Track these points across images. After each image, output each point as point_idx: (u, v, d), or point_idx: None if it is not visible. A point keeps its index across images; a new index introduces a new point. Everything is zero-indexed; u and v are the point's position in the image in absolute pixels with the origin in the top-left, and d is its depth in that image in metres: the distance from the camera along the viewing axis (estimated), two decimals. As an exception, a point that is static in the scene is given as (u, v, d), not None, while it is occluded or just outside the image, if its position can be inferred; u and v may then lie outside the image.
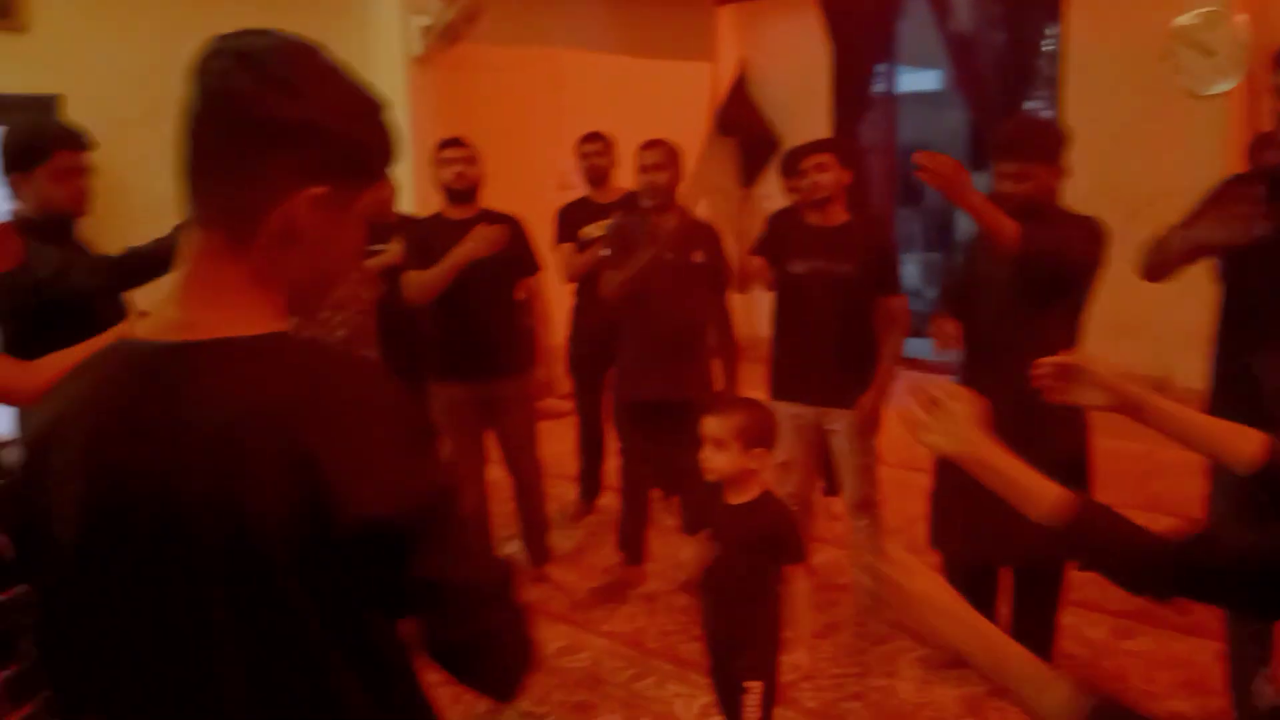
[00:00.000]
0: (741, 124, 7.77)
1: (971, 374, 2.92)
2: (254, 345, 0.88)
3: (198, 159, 0.91)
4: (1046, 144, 2.78)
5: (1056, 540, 1.25)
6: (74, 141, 2.62)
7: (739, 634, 2.34)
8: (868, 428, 3.33)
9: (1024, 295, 2.75)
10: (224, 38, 0.90)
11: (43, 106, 4.76)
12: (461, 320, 3.59)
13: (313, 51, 0.92)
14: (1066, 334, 2.77)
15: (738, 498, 2.34)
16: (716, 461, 2.30)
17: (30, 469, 0.92)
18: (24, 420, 1.74)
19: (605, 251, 3.72)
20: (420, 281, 3.49)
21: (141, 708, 0.90)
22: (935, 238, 9.40)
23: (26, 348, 2.52)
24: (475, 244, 3.40)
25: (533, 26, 6.56)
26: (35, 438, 0.92)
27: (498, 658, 0.96)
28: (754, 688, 2.30)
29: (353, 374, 0.92)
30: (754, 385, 3.38)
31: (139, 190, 4.42)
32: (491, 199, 3.76)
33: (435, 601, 0.90)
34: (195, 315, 0.90)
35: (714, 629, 2.41)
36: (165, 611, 0.87)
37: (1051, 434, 2.77)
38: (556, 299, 4.40)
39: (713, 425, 2.30)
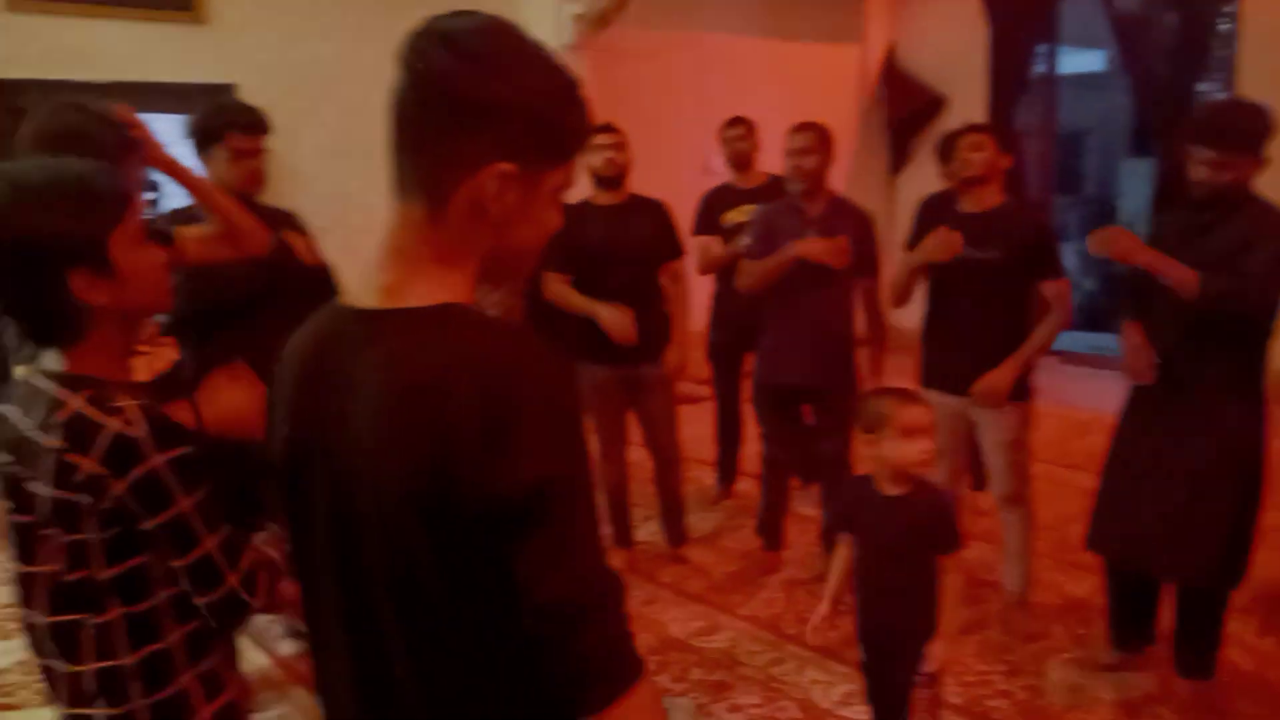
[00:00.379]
0: (895, 107, 7.59)
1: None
2: (424, 316, 0.93)
3: (400, 135, 0.95)
4: (1254, 133, 2.58)
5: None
6: (247, 124, 2.74)
7: (904, 627, 2.29)
8: (989, 402, 3.17)
9: (1205, 329, 2.64)
10: (432, 19, 0.94)
11: (218, 95, 5.06)
12: (606, 303, 3.63)
13: (513, 32, 0.95)
14: (1248, 358, 2.67)
15: (896, 489, 2.29)
16: (908, 452, 2.22)
17: (269, 401, 1.06)
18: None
19: (746, 241, 3.70)
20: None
21: (329, 626, 1.01)
22: (1095, 226, 8.96)
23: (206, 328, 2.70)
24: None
25: (679, 11, 6.57)
26: (277, 370, 1.05)
27: (582, 664, 0.90)
28: (928, 680, 2.26)
29: (507, 350, 0.92)
30: (902, 375, 3.30)
31: (307, 175, 4.67)
32: (636, 184, 3.80)
33: (531, 586, 0.89)
34: (390, 281, 0.96)
35: (877, 623, 2.35)
36: (332, 545, 0.98)
37: (1225, 434, 2.65)
38: (697, 283, 4.42)
39: (915, 414, 2.25)
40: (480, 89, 0.91)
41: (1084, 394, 5.43)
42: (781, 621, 3.43)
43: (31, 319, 1.30)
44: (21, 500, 1.29)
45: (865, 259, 3.57)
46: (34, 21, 4.86)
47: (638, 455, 3.91)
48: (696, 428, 4.58)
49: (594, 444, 3.76)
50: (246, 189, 2.73)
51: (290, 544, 1.05)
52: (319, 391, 0.97)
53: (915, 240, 3.48)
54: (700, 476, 4.61)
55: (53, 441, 1.23)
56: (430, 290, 0.94)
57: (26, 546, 1.31)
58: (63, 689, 1.34)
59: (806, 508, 4.17)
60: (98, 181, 1.30)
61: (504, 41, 0.93)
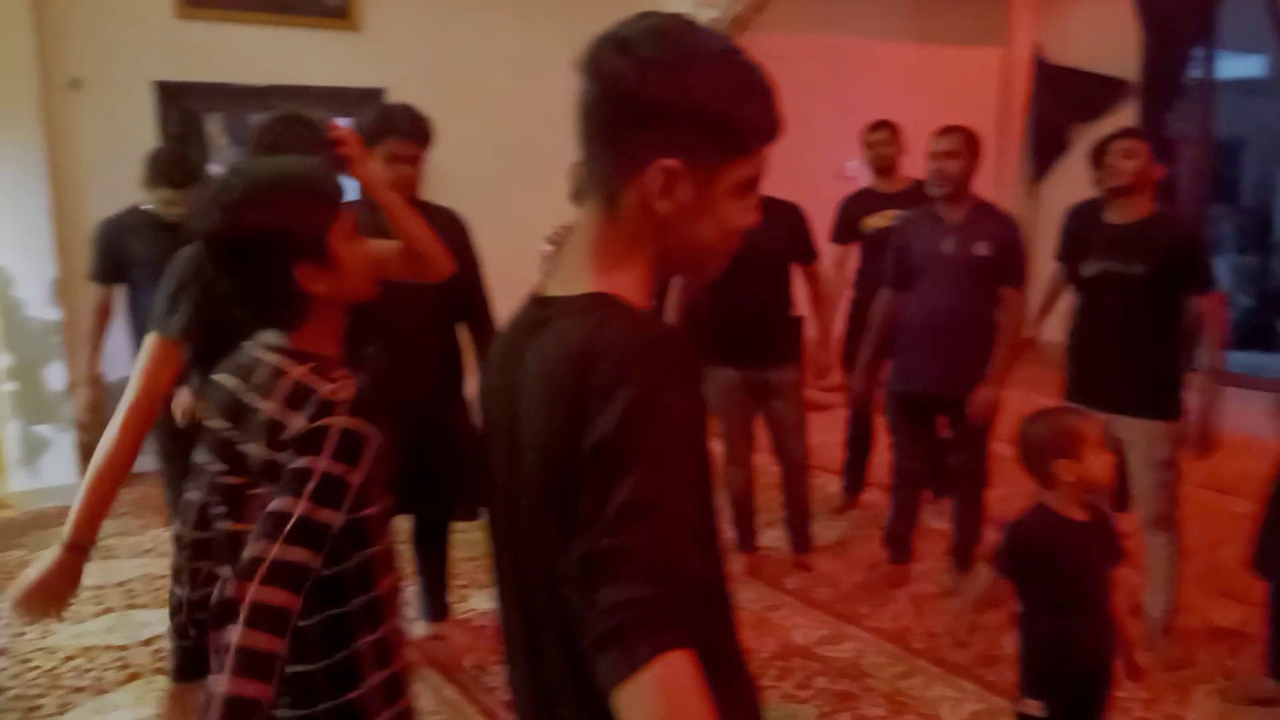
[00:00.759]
0: (1043, 113, 7.34)
1: None
2: (578, 302, 0.98)
3: (582, 136, 0.99)
4: None
5: None
6: (406, 131, 2.84)
7: (1106, 657, 2.21)
8: (1176, 442, 3.06)
9: None
10: (616, 24, 0.97)
11: (371, 99, 5.28)
12: (736, 306, 3.62)
13: (688, 29, 0.97)
14: None
15: (1080, 513, 2.19)
16: (1095, 469, 2.15)
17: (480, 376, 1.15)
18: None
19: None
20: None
21: (506, 601, 1.09)
22: (1252, 239, 8.48)
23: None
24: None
25: (816, 16, 6.52)
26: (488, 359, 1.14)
27: (602, 624, 0.82)
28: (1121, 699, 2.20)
29: (638, 330, 0.94)
30: (1046, 389, 3.20)
31: (455, 178, 4.81)
32: (772, 187, 3.78)
33: (574, 537, 0.87)
34: (571, 274, 1.02)
35: (1088, 661, 2.20)
36: (505, 518, 1.05)
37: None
38: (835, 288, 4.39)
39: (1097, 428, 2.19)
40: (646, 88, 0.93)
41: (1238, 415, 5.14)
42: (909, 635, 3.37)
43: (260, 305, 1.41)
44: (235, 462, 1.40)
45: (1010, 267, 3.47)
46: (202, 28, 5.16)
47: (764, 460, 3.90)
48: (825, 435, 4.54)
49: (721, 447, 3.77)
50: (401, 193, 2.84)
51: (490, 523, 1.12)
52: (499, 375, 1.05)
53: (1064, 251, 3.37)
54: (825, 484, 4.56)
55: (269, 404, 1.34)
56: (596, 281, 0.99)
57: (236, 506, 1.41)
58: None
59: (937, 521, 4.08)
60: (319, 180, 1.43)
61: (676, 39, 0.95)
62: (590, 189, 1.01)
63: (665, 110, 0.93)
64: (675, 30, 0.96)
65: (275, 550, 1.24)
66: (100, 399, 3.52)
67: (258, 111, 5.93)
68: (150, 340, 2.02)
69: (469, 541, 3.48)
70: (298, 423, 1.31)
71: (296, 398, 1.33)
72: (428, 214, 2.52)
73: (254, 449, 1.36)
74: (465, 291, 3.00)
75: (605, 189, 0.99)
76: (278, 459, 1.32)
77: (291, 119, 2.05)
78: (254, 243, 1.36)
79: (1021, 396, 3.61)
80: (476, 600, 3.60)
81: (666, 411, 0.88)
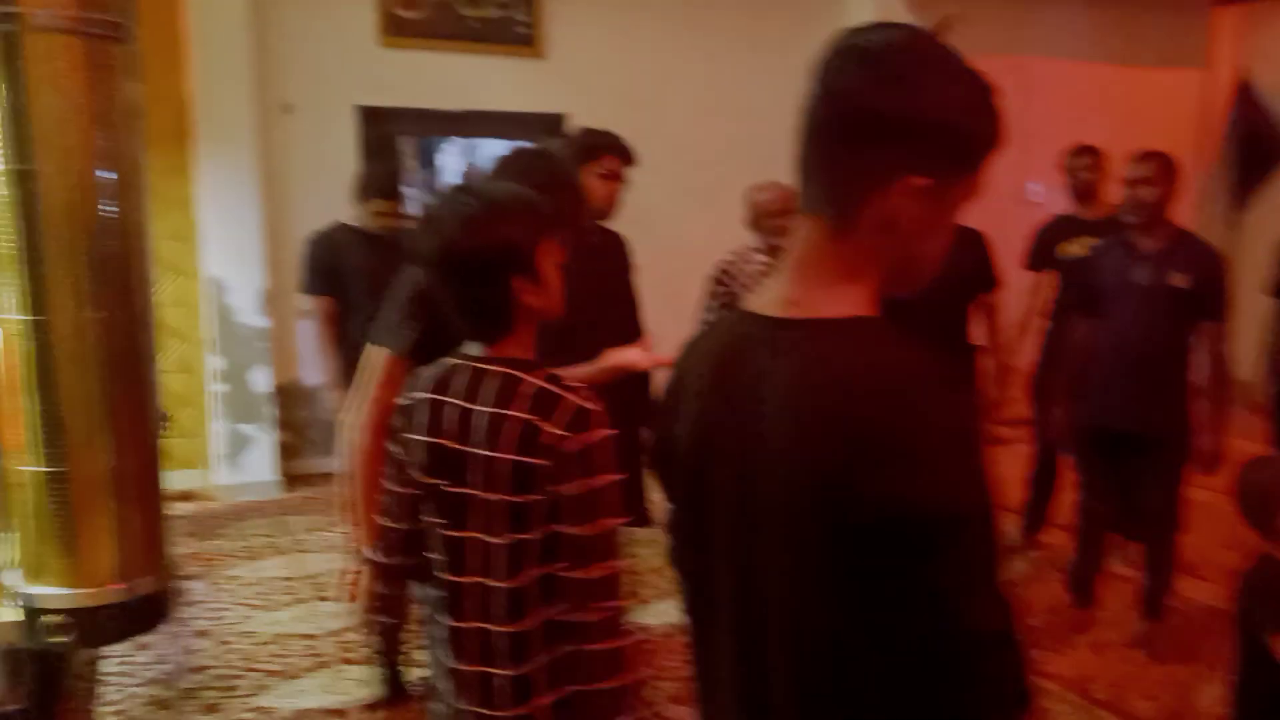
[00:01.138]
0: (1248, 138, 6.88)
1: None
2: (836, 326, 0.95)
3: (809, 149, 0.96)
4: None
5: None
6: (620, 150, 3.00)
7: None
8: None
9: None
10: (848, 33, 0.95)
11: (554, 124, 5.47)
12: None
13: (928, 42, 0.94)
14: None
15: None
16: None
17: (669, 396, 1.12)
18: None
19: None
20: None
21: (715, 620, 1.06)
22: None
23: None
24: None
25: (1004, 35, 6.35)
26: (675, 373, 1.12)
27: (991, 688, 0.90)
28: None
29: (917, 367, 0.92)
30: (1247, 432, 3.00)
31: (628, 200, 4.93)
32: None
33: (952, 609, 0.88)
34: (797, 294, 0.98)
35: None
36: (731, 542, 1.01)
37: None
38: (1027, 317, 4.26)
39: None
40: (893, 104, 0.91)
41: None
42: (1091, 684, 3.20)
43: (477, 314, 1.51)
44: (454, 471, 1.48)
45: (1210, 299, 3.27)
46: (401, 56, 5.48)
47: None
48: (1004, 470, 4.36)
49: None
50: (604, 208, 2.96)
51: (682, 537, 1.11)
52: (727, 395, 1.01)
53: (1277, 284, 3.15)
54: (1003, 522, 4.38)
55: (518, 412, 1.42)
56: (838, 302, 0.96)
57: (459, 516, 1.48)
58: (473, 646, 1.49)
59: (1123, 567, 3.86)
60: (539, 203, 1.54)
61: (919, 53, 0.93)
62: (816, 203, 0.97)
63: (911, 126, 0.91)
64: (916, 43, 0.94)
65: (616, 565, 1.43)
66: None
67: (447, 135, 6.27)
68: (381, 355, 2.07)
69: (630, 555, 3.52)
70: (553, 431, 1.40)
71: (546, 406, 1.42)
72: (598, 235, 2.62)
73: (486, 457, 1.43)
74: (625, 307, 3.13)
75: (840, 205, 0.95)
76: (532, 464, 1.40)
77: (537, 154, 2.20)
78: (484, 255, 1.46)
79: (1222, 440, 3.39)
80: (637, 614, 3.64)
81: (977, 465, 0.90)
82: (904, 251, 0.97)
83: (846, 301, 0.96)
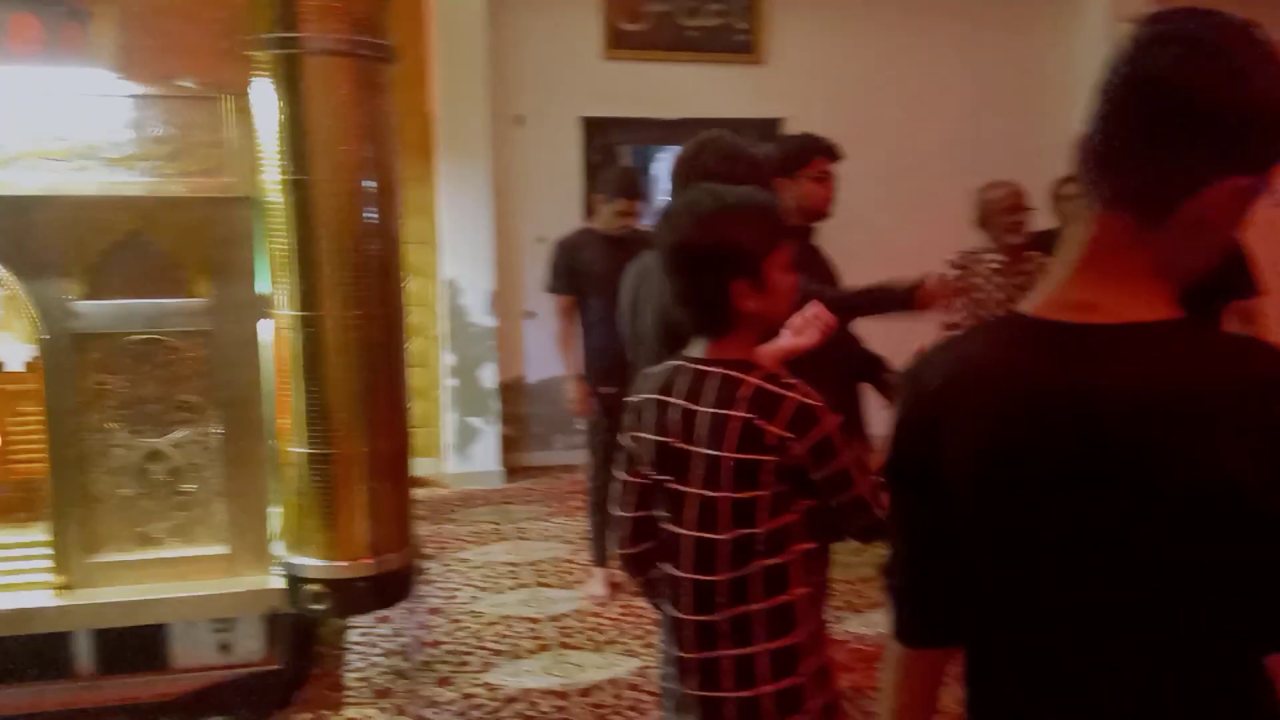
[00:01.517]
0: None
1: None
2: (1164, 330, 0.89)
3: (1111, 140, 0.90)
4: None
5: None
6: (831, 151, 3.01)
7: None
8: None
9: None
10: (1162, 18, 0.88)
11: (771, 129, 5.48)
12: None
13: (1254, 32, 0.87)
14: None
15: None
16: None
17: (917, 408, 1.01)
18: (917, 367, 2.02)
19: None
20: None
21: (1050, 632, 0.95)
22: None
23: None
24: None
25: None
26: (922, 383, 1.01)
27: None
28: None
29: (1261, 362, 0.86)
30: None
31: (841, 204, 4.88)
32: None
33: None
34: (1095, 297, 0.91)
35: None
36: (1070, 553, 0.92)
37: None
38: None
39: None
40: (1233, 99, 0.84)
41: None
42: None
43: (697, 308, 1.56)
44: (678, 469, 1.54)
45: None
46: (623, 68, 5.67)
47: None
48: None
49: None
50: (820, 209, 2.98)
51: (968, 550, 0.99)
52: (1038, 406, 0.91)
53: None
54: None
55: (739, 412, 1.47)
56: (1143, 304, 0.90)
57: (678, 510, 1.55)
58: (690, 635, 1.56)
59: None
60: (772, 211, 1.59)
61: (1250, 45, 0.86)
62: (1116, 199, 0.91)
63: (1250, 124, 0.85)
64: (1251, 35, 0.87)
65: (876, 514, 1.52)
66: (586, 392, 3.93)
67: (666, 144, 6.42)
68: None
69: (844, 563, 3.49)
70: (777, 432, 1.45)
71: (767, 406, 1.46)
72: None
73: (710, 456, 1.49)
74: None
75: (1149, 202, 0.89)
76: (757, 460, 1.46)
77: (719, 148, 2.23)
78: (707, 253, 1.51)
79: None
80: (851, 623, 3.60)
81: None
82: (1205, 252, 0.92)
83: (1159, 303, 0.90)
